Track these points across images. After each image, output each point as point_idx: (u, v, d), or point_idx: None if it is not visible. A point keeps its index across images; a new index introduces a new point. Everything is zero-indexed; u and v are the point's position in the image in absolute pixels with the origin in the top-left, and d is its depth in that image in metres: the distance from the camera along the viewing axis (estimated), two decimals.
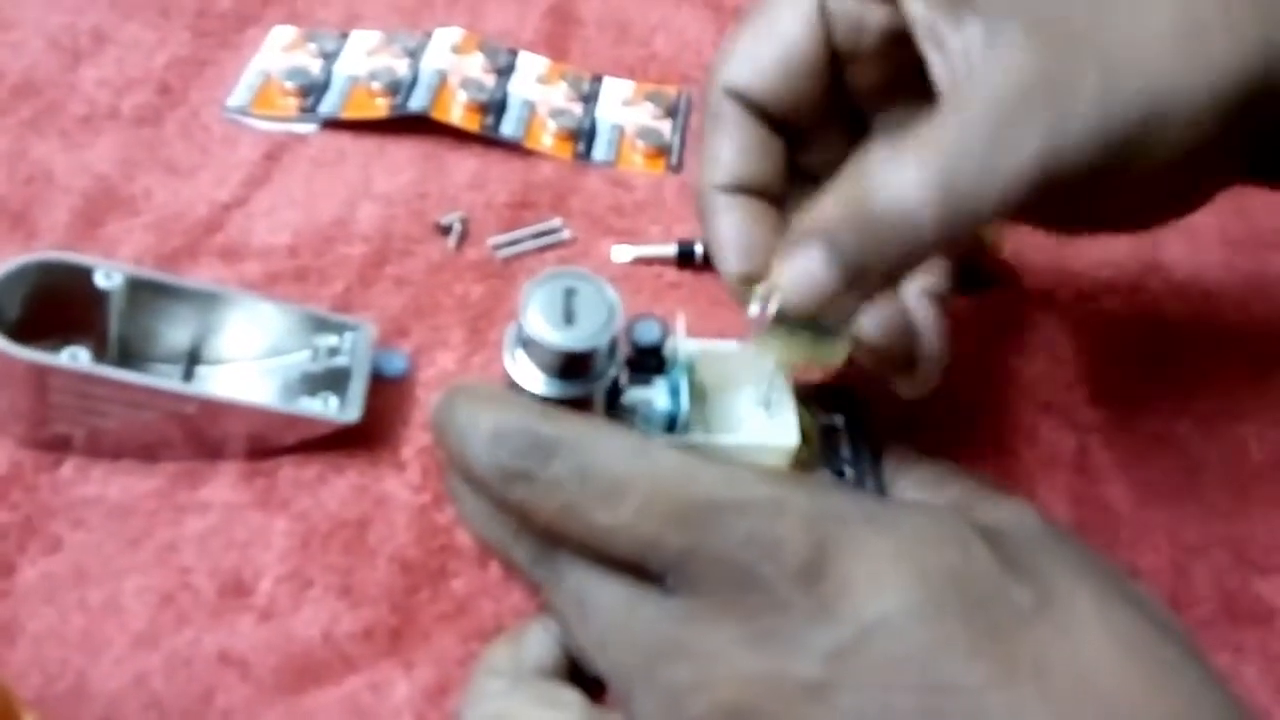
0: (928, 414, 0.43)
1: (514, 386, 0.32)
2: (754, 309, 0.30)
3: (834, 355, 0.32)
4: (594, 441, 0.27)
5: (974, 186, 0.26)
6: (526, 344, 0.31)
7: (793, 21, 0.34)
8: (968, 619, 0.24)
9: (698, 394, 0.35)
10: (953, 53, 0.29)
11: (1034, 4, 0.28)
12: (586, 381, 0.31)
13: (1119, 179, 0.27)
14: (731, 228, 0.34)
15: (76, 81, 0.55)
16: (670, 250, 0.49)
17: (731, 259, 0.34)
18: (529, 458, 0.27)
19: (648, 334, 0.33)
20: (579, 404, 0.31)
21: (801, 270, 0.28)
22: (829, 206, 0.28)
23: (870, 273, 0.28)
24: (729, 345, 0.35)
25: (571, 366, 0.31)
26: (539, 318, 0.31)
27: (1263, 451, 0.44)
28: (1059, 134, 0.26)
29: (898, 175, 0.27)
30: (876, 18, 0.33)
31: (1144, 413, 0.45)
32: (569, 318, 0.31)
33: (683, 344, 0.34)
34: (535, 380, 0.32)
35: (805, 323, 0.30)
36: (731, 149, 0.35)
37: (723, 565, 0.25)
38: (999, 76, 0.27)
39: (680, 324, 0.35)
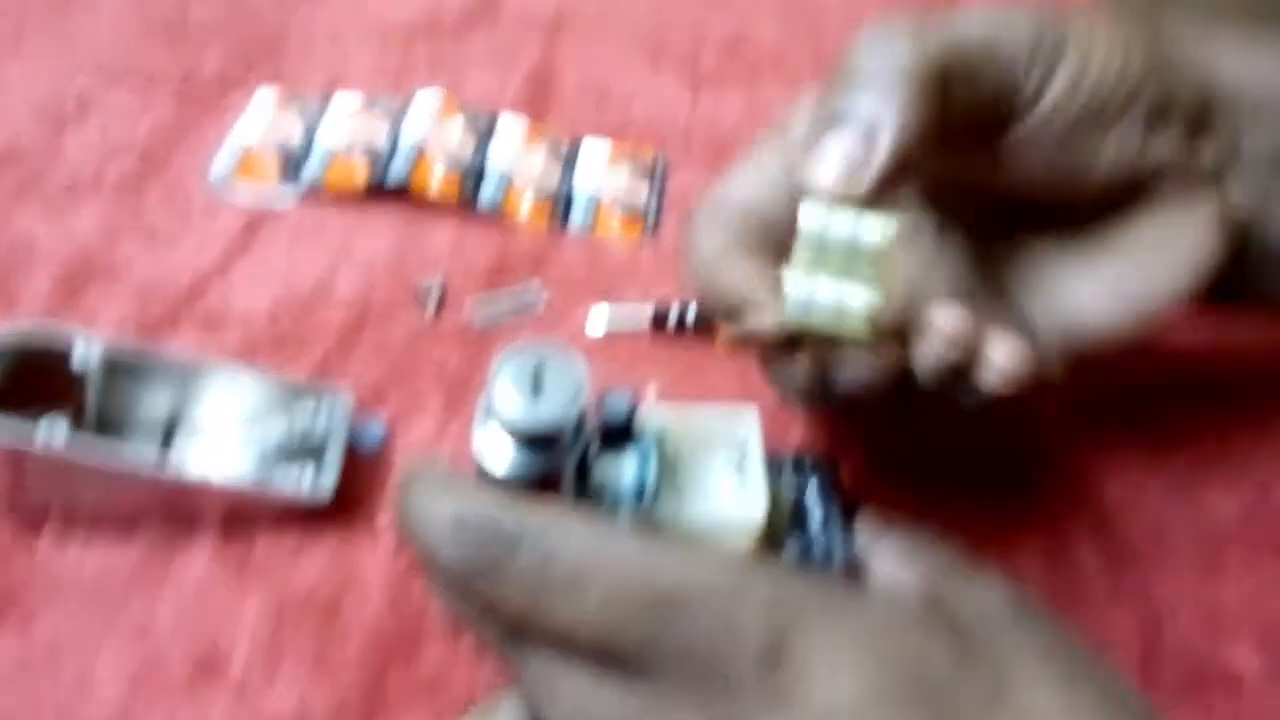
0: (901, 476, 0.44)
1: (482, 460, 0.32)
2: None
3: (861, 317, 0.32)
4: (557, 533, 0.27)
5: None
6: (495, 417, 0.32)
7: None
8: (924, 708, 0.24)
9: (669, 461, 0.35)
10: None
11: None
12: (555, 455, 0.32)
13: None
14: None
15: (61, 149, 0.56)
16: (645, 315, 0.49)
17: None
18: (491, 550, 0.27)
19: (617, 406, 0.34)
20: (547, 478, 0.32)
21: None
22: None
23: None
24: (702, 410, 0.36)
25: (540, 441, 0.31)
26: (507, 392, 0.31)
27: (1231, 515, 0.44)
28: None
29: None
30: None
31: (1114, 475, 0.45)
32: (538, 392, 0.31)
33: (653, 412, 0.35)
34: (504, 453, 0.32)
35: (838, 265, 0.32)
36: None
37: (684, 653, 0.25)
38: None
39: (651, 392, 0.35)
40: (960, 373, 0.34)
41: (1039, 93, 0.33)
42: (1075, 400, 0.48)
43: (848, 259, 0.32)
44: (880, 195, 0.31)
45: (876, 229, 0.31)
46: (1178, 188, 0.36)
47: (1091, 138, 0.34)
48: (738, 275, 0.34)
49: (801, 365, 0.35)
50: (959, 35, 0.33)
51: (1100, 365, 0.37)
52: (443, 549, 0.27)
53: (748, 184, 0.36)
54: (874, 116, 0.31)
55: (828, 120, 0.32)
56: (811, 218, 0.32)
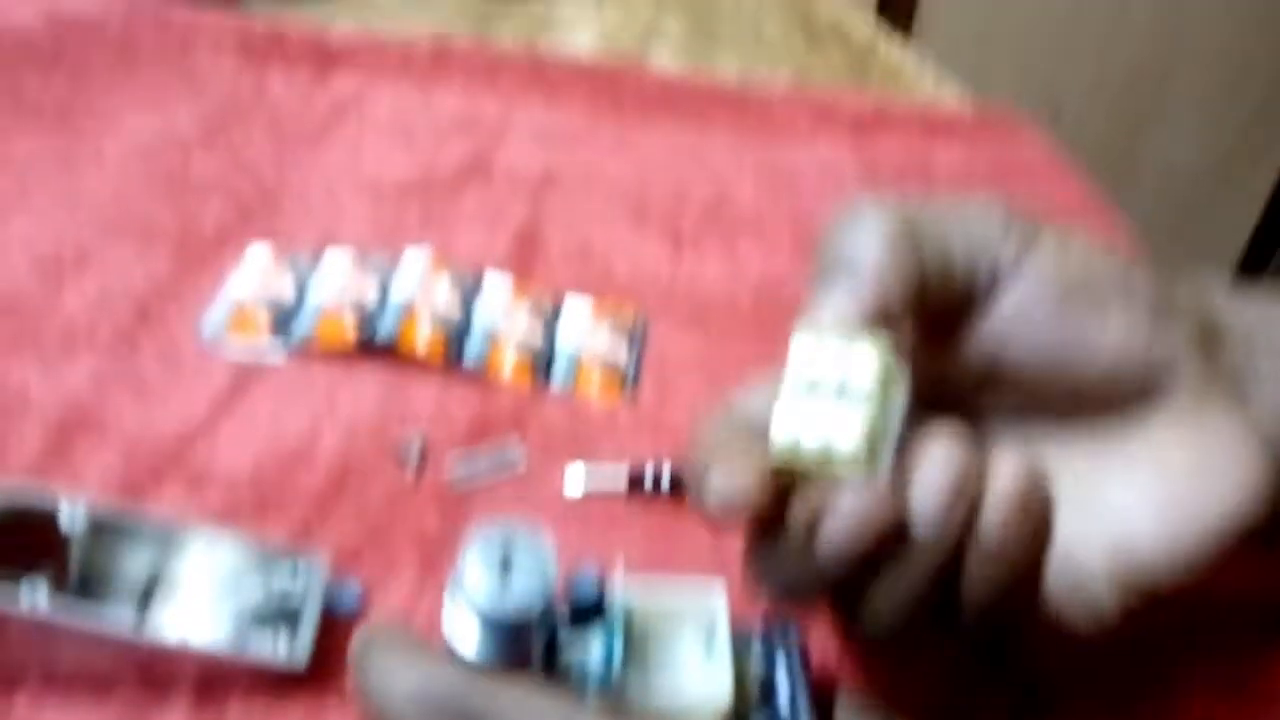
0: (873, 650, 0.45)
1: (451, 637, 0.33)
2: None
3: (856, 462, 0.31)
4: (522, 712, 0.28)
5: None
6: (464, 599, 0.33)
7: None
8: None
9: (637, 639, 0.36)
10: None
11: None
12: (523, 637, 0.33)
13: None
14: None
15: (57, 302, 0.57)
16: (622, 478, 0.50)
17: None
18: None
19: (586, 584, 0.35)
20: (515, 659, 0.33)
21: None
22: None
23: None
24: (670, 585, 0.37)
25: (507, 626, 0.32)
26: (476, 576, 0.32)
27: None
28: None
29: None
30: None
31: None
32: (506, 574, 0.32)
33: (622, 589, 0.36)
34: (472, 633, 0.33)
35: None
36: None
37: None
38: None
39: (619, 567, 0.36)
40: (966, 523, 0.31)
41: (1020, 258, 0.33)
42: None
43: (838, 389, 0.31)
44: (872, 325, 0.31)
45: (867, 351, 0.30)
46: (1201, 397, 0.33)
47: (1088, 317, 0.33)
48: (726, 439, 0.33)
49: (791, 537, 0.32)
50: (927, 207, 0.34)
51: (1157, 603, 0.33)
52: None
53: (753, 398, 0.35)
54: (856, 261, 0.32)
55: (817, 281, 0.33)
56: (800, 347, 0.31)
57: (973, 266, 0.33)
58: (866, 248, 0.32)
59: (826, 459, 0.31)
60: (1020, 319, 0.33)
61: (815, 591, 0.35)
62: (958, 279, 0.33)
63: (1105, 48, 1.74)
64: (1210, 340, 0.34)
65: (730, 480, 0.31)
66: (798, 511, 0.32)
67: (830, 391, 0.31)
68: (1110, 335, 0.33)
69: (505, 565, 0.33)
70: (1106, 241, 0.34)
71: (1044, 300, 0.33)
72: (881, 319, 0.31)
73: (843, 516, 0.31)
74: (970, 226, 0.33)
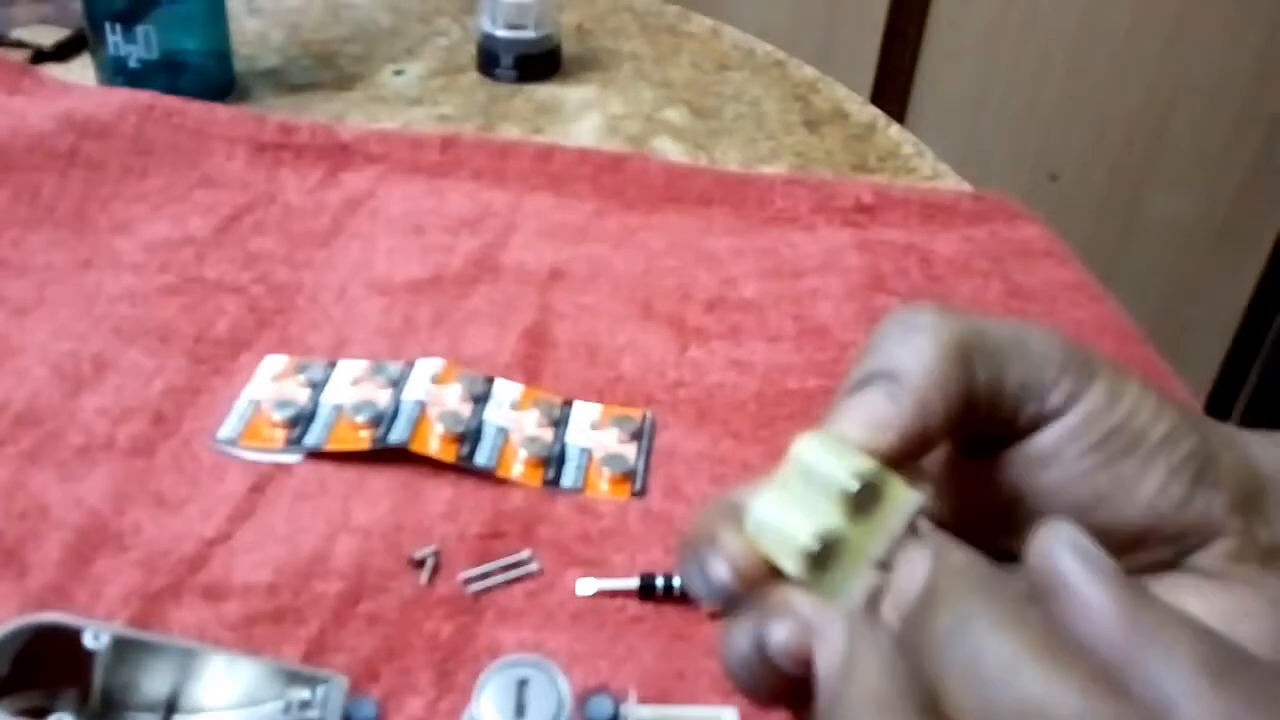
0: None
1: None
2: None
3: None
4: None
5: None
6: None
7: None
8: None
9: None
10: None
11: None
12: None
13: None
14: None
15: (76, 410, 0.59)
16: (633, 584, 0.51)
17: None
18: None
19: (600, 713, 0.36)
20: None
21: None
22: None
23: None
24: (682, 711, 0.38)
25: None
26: (492, 711, 0.33)
27: None
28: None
29: None
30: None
31: None
32: (521, 710, 0.33)
33: (635, 714, 0.36)
34: None
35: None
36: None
37: None
38: None
39: (633, 696, 0.37)
40: None
41: (1072, 397, 0.32)
42: None
43: (824, 496, 0.28)
44: (902, 455, 0.29)
45: (860, 469, 0.28)
46: (1233, 564, 0.32)
47: (1127, 467, 0.32)
48: (716, 523, 0.31)
49: (746, 620, 0.30)
50: (988, 325, 0.32)
51: None
52: None
53: (752, 493, 0.35)
54: (902, 370, 0.30)
55: (857, 384, 0.31)
56: (806, 448, 0.29)
57: (1023, 395, 0.32)
58: (917, 357, 0.30)
59: (780, 551, 0.28)
60: (1056, 456, 0.32)
61: (766, 697, 0.32)
62: (1005, 404, 0.32)
63: (1102, 109, 1.76)
64: (1252, 505, 0.32)
65: (710, 560, 0.30)
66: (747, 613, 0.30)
67: (819, 491, 0.28)
68: (1144, 491, 0.32)
69: (521, 693, 0.34)
70: (1161, 390, 0.33)
71: (1084, 441, 0.32)
72: (916, 437, 0.30)
73: (739, 635, 0.29)
74: (1029, 353, 0.32)
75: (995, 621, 0.23)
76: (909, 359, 0.30)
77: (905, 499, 0.28)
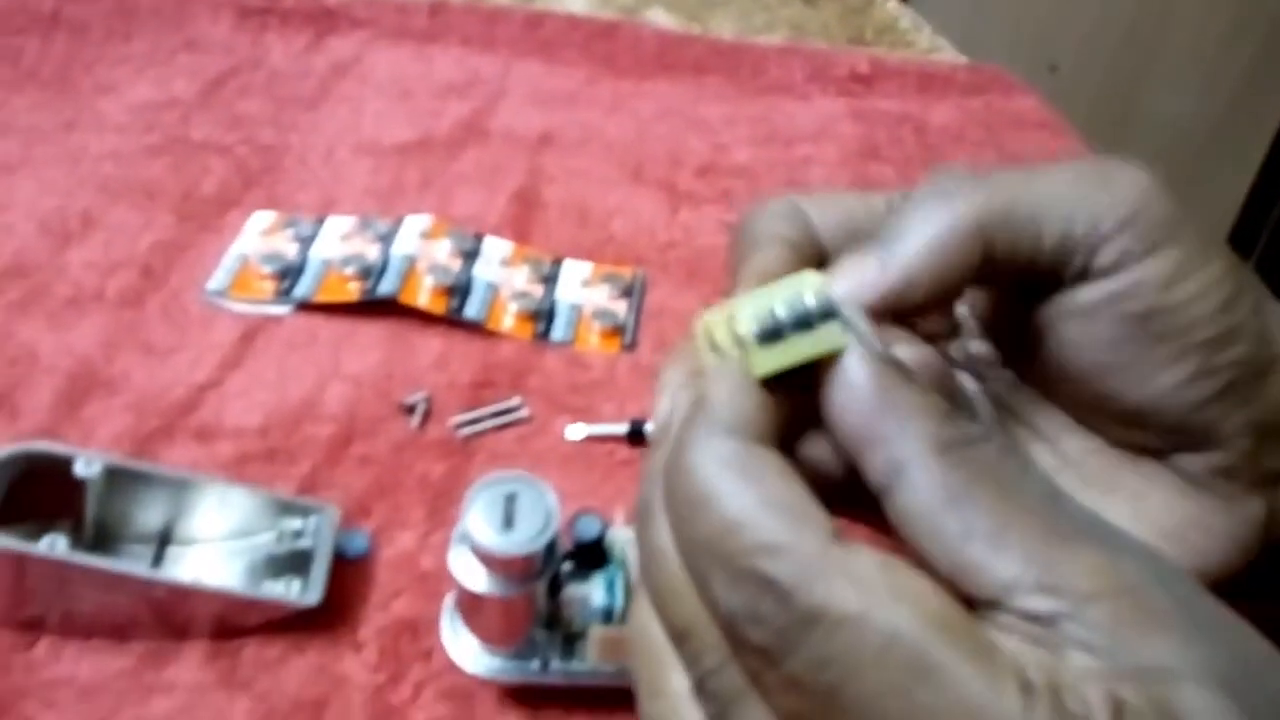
0: None
1: (459, 578, 0.34)
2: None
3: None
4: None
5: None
6: (469, 545, 0.34)
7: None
8: None
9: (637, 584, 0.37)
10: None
11: None
12: (527, 580, 0.34)
13: None
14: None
15: (64, 264, 0.58)
16: (622, 429, 0.52)
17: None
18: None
19: (587, 530, 0.36)
20: (520, 597, 0.34)
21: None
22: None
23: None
24: None
25: (511, 567, 0.34)
26: (480, 522, 0.33)
27: None
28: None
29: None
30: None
31: None
32: (509, 522, 0.33)
33: (623, 535, 0.37)
34: (479, 576, 0.34)
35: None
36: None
37: None
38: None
39: (620, 516, 0.37)
40: None
41: (1127, 256, 0.30)
42: None
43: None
44: (881, 315, 0.29)
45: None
46: (1218, 479, 0.31)
47: (1158, 352, 0.30)
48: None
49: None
50: (1030, 185, 0.30)
51: None
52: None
53: None
54: (897, 245, 0.29)
55: (869, 245, 0.30)
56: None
57: (1064, 251, 0.30)
58: (922, 230, 0.29)
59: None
60: (1090, 313, 0.30)
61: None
62: (1044, 261, 0.30)
63: (1101, 2, 1.73)
64: (1276, 434, 0.31)
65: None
66: None
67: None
68: (1164, 380, 0.30)
69: (509, 513, 0.34)
70: (1257, 285, 0.31)
71: (1122, 308, 0.30)
72: (894, 304, 0.29)
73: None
74: (1077, 209, 0.30)
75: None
76: (914, 232, 0.29)
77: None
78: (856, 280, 0.29)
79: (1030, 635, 0.22)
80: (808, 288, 0.26)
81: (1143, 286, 0.29)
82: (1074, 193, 0.30)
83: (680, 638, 0.25)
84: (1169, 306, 0.29)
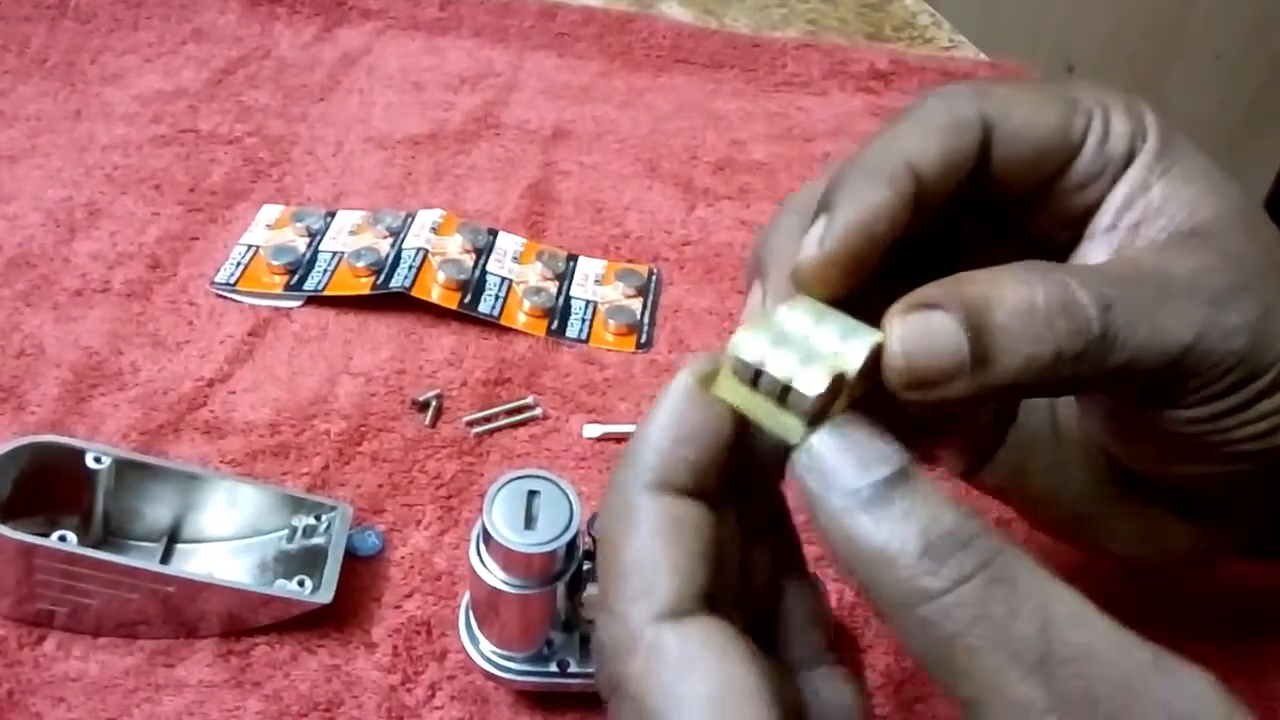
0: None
1: (478, 580, 0.33)
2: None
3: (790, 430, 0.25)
4: None
5: (1128, 327, 0.26)
6: (489, 543, 0.33)
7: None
8: None
9: None
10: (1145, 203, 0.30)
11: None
12: (547, 580, 0.33)
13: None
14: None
15: (70, 255, 0.57)
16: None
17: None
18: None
19: None
20: (541, 590, 0.33)
21: (922, 326, 0.25)
22: (978, 283, 0.26)
23: (995, 360, 0.26)
24: None
25: (532, 566, 0.33)
26: (501, 520, 0.32)
27: None
28: (1213, 330, 0.27)
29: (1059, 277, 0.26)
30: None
31: None
32: (530, 520, 0.33)
33: None
34: (498, 576, 0.33)
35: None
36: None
37: None
38: (1180, 256, 0.28)
39: None
40: None
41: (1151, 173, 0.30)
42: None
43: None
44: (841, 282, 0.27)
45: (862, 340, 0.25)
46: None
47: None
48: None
49: None
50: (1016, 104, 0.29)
51: None
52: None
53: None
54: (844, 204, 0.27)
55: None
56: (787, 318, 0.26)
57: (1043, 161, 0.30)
58: (872, 182, 0.27)
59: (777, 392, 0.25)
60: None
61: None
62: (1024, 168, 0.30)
63: (1120, 1, 1.72)
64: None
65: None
66: None
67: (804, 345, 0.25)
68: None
69: (531, 504, 0.33)
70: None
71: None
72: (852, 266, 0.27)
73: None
74: (1070, 129, 0.30)
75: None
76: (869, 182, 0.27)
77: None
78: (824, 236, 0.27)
79: None
80: (810, 378, 0.24)
81: (1172, 204, 0.30)
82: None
83: None
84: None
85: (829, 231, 0.26)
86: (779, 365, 0.24)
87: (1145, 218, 0.30)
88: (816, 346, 0.25)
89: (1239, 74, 1.82)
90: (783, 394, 0.24)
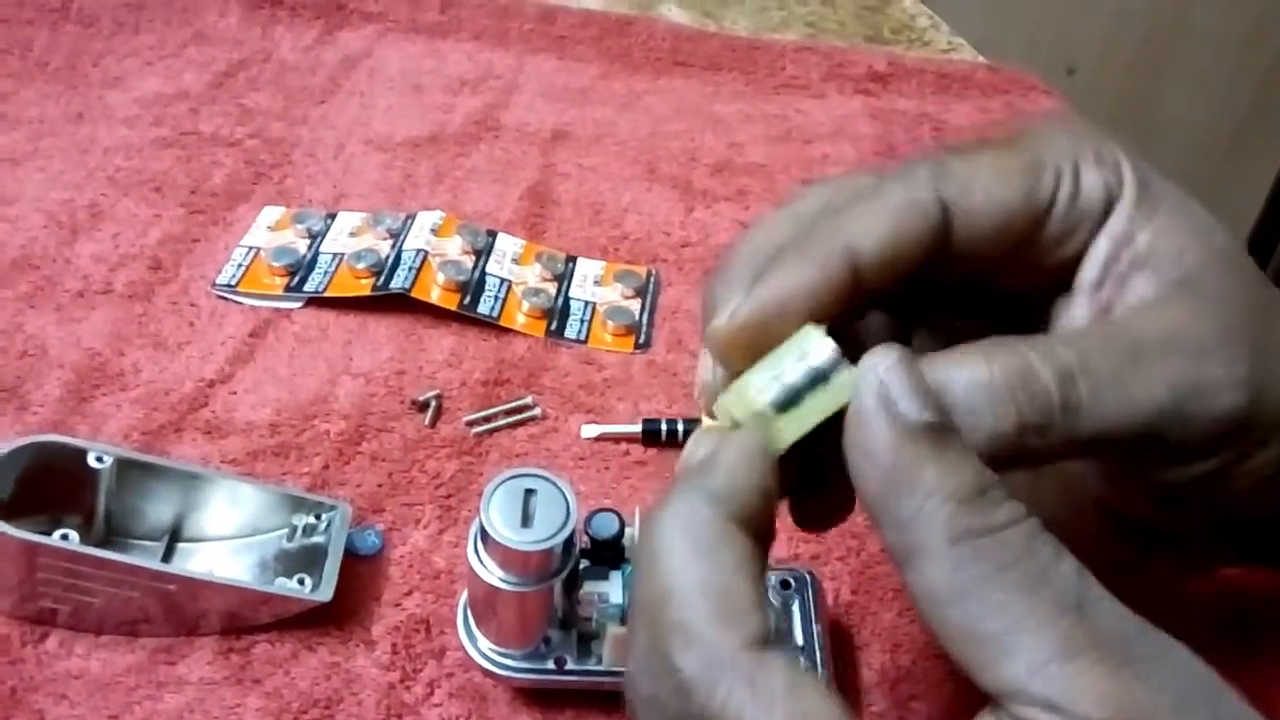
0: (887, 586, 0.45)
1: (476, 577, 0.34)
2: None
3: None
4: None
5: (1093, 395, 0.26)
6: (487, 541, 0.33)
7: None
8: None
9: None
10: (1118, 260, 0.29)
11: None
12: (544, 577, 0.33)
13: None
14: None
15: (72, 256, 0.58)
16: (636, 429, 0.51)
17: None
18: None
19: (605, 528, 0.36)
20: (538, 588, 0.33)
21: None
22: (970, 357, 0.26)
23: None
24: None
25: (529, 563, 0.33)
26: (498, 518, 0.33)
27: None
28: (1193, 389, 0.27)
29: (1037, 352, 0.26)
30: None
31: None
32: (527, 518, 0.33)
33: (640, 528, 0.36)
34: (495, 574, 0.33)
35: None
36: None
37: None
38: (1159, 314, 0.28)
39: (637, 515, 0.37)
40: None
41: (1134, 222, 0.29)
42: None
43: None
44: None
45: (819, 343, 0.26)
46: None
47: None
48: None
49: None
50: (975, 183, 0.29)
51: None
52: None
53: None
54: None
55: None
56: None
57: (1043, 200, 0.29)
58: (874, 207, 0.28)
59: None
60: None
61: None
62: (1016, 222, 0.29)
63: (1119, 3, 1.72)
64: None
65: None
66: None
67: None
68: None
69: (527, 509, 0.34)
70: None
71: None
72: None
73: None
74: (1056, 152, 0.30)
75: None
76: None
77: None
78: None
79: None
80: (812, 346, 0.25)
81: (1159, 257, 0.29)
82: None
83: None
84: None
85: (745, 302, 0.27)
86: (791, 367, 0.25)
87: (1133, 269, 0.30)
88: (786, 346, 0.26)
89: (1238, 76, 1.82)
90: (817, 380, 0.25)
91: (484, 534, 0.34)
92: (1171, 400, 0.27)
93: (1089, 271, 0.30)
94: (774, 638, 0.24)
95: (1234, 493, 0.29)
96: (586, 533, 0.36)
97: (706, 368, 0.29)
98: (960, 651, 0.23)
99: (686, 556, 0.24)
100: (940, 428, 0.24)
